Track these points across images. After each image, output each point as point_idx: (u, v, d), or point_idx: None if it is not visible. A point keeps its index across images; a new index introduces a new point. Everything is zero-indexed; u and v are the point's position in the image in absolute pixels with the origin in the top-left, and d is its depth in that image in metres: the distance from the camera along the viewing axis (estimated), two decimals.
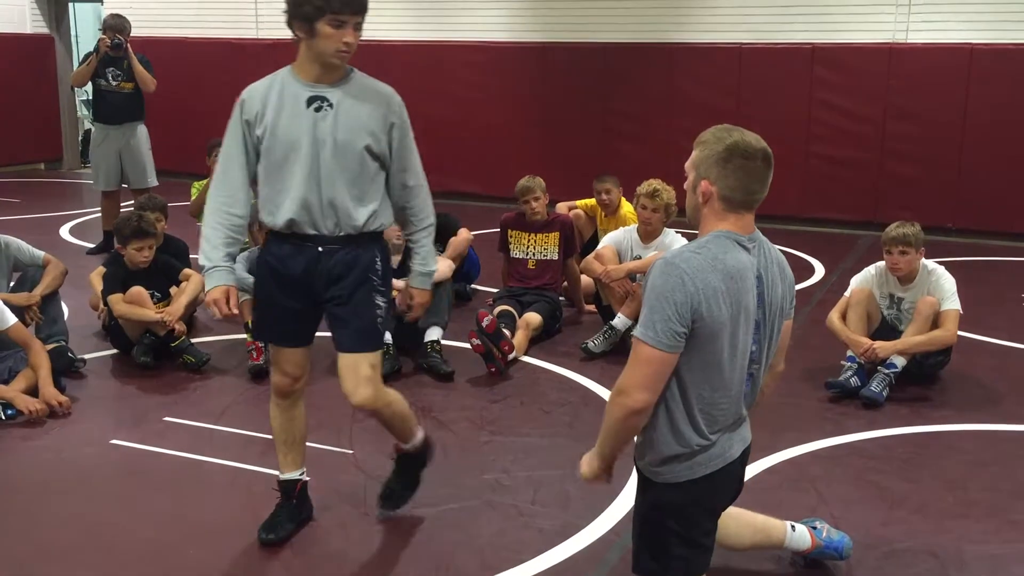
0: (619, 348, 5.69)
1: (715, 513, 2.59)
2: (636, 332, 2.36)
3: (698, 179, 2.42)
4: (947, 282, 5.11)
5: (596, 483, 2.71)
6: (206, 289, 3.28)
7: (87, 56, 8.23)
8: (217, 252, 3.24)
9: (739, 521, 3.17)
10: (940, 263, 5.27)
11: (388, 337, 5.37)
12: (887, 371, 4.98)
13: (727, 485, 2.56)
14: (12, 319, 4.75)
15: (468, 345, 5.33)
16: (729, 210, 2.40)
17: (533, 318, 5.85)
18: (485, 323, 5.25)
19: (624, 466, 4.07)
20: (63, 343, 5.24)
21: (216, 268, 3.24)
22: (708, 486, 2.47)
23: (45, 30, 13.45)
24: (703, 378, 2.37)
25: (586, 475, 2.67)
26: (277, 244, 3.32)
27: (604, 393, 5.07)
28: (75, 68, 9.32)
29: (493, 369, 5.33)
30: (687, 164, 2.47)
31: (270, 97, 3.21)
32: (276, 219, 3.26)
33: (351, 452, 4.28)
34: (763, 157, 2.38)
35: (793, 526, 3.28)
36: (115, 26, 8.03)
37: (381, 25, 11.72)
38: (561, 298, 6.34)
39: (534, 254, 6.25)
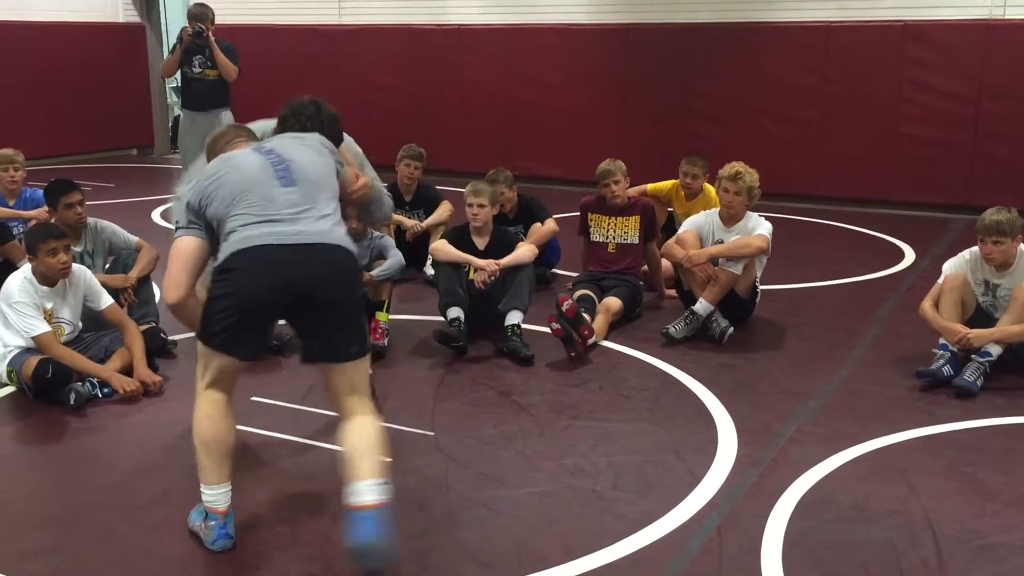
0: (700, 334, 5.62)
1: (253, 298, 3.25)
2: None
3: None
4: None
5: None
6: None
7: (174, 46, 8.55)
8: None
9: (358, 436, 3.21)
10: None
11: (460, 313, 5.40)
12: (981, 359, 4.81)
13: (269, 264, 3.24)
14: (109, 300, 4.91)
15: (548, 329, 5.33)
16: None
17: (613, 303, 5.82)
18: (565, 307, 5.23)
19: (702, 461, 4.04)
20: (155, 324, 5.39)
21: None
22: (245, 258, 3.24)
23: (136, 19, 13.85)
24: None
25: None
26: None
27: (685, 379, 5.01)
28: (164, 57, 9.63)
29: (573, 353, 5.31)
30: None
31: None
32: None
33: (432, 434, 4.32)
34: None
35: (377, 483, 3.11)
36: (198, 15, 8.36)
37: (463, 10, 11.78)
38: (641, 283, 6.28)
39: (614, 238, 6.20)
